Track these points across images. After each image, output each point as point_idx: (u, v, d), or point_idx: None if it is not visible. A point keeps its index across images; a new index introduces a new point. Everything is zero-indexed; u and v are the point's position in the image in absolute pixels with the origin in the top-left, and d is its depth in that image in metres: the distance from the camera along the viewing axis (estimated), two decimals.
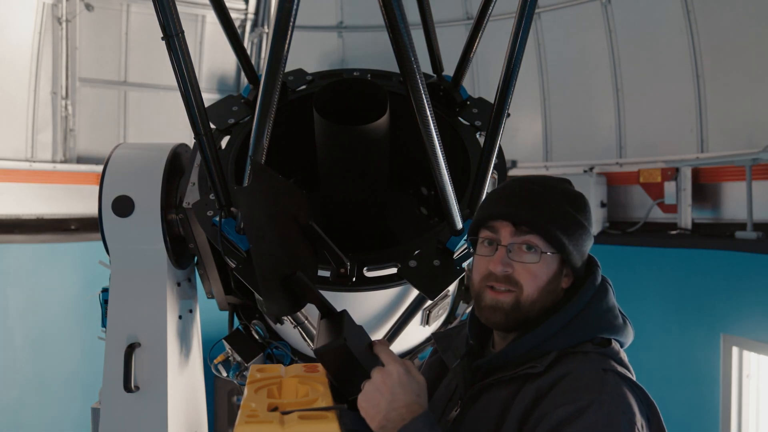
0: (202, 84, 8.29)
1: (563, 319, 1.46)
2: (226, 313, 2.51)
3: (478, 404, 1.50)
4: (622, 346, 1.53)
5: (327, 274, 1.84)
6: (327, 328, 1.46)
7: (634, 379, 1.44)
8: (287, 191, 1.55)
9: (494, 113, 1.78)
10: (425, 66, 1.70)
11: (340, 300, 2.02)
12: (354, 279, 1.81)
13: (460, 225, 1.87)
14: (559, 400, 1.34)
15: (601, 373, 1.39)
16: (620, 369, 1.43)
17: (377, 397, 1.33)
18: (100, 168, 2.32)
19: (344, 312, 1.52)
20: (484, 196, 1.93)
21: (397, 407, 1.32)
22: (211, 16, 8.20)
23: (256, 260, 1.45)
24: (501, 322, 1.49)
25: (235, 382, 2.36)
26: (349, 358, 1.39)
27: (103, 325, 2.33)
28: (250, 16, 8.86)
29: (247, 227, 1.66)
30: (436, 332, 1.86)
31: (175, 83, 1.59)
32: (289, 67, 1.75)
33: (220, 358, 2.38)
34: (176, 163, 2.36)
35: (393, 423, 1.31)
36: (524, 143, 8.37)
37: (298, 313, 2.08)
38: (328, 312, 1.53)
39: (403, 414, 1.31)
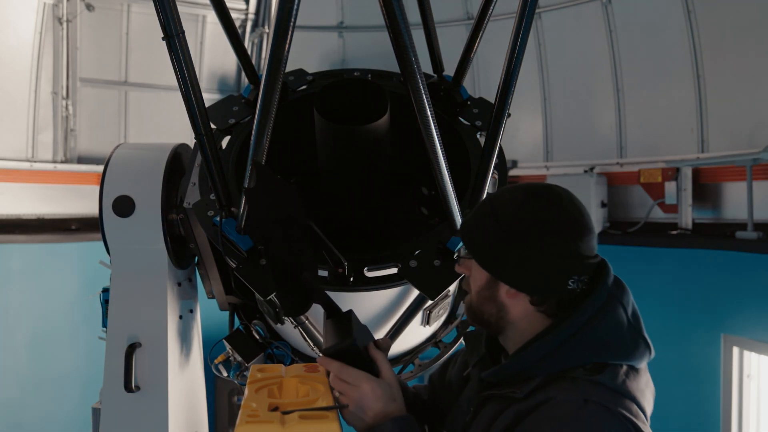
0: (203, 84, 8.28)
1: (551, 344, 1.40)
2: (226, 313, 2.51)
3: (480, 414, 1.51)
4: (634, 367, 1.42)
5: (325, 274, 1.84)
6: (335, 329, 1.48)
7: (634, 407, 1.34)
8: (286, 192, 1.55)
9: (495, 113, 1.78)
10: (425, 66, 1.70)
11: (341, 300, 2.02)
12: (352, 279, 1.81)
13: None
14: (532, 430, 1.33)
15: (580, 404, 1.31)
16: (608, 399, 1.33)
17: (359, 414, 1.45)
18: (100, 168, 2.32)
19: (350, 312, 1.52)
20: (484, 196, 1.93)
21: (374, 416, 1.44)
22: (212, 16, 8.20)
23: (270, 263, 1.46)
24: (468, 319, 1.63)
25: (236, 382, 2.36)
26: (357, 358, 1.43)
27: (104, 325, 2.33)
28: (251, 16, 8.86)
29: (256, 229, 1.67)
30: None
31: (175, 83, 1.59)
32: (290, 67, 1.74)
33: (220, 358, 2.38)
34: (177, 163, 2.36)
35: (378, 429, 1.43)
36: (525, 143, 8.37)
37: None
38: (334, 312, 1.54)
39: (380, 420, 1.43)
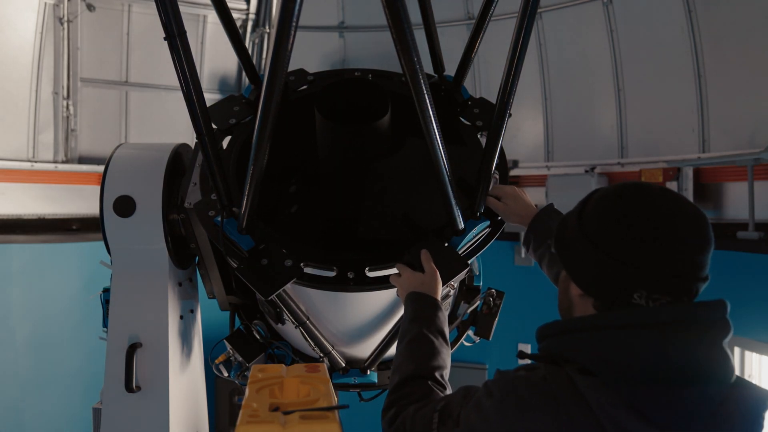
0: (204, 84, 8.27)
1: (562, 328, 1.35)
2: (227, 313, 2.51)
3: None
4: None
5: (329, 274, 1.84)
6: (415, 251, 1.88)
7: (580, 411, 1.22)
8: None
9: (496, 113, 1.77)
10: (426, 66, 1.70)
11: (342, 300, 2.03)
12: (352, 282, 1.82)
13: (461, 225, 1.87)
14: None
15: (538, 377, 1.29)
16: (563, 387, 1.24)
17: (399, 292, 1.86)
18: (101, 168, 2.32)
19: (433, 239, 1.89)
20: (485, 196, 1.93)
21: (404, 292, 1.83)
22: (213, 16, 8.20)
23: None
24: None
25: (237, 382, 2.36)
26: (415, 263, 1.86)
27: (105, 325, 2.33)
28: (252, 16, 8.86)
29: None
30: None
31: (176, 83, 1.59)
32: (290, 67, 1.74)
33: (221, 358, 2.38)
34: (178, 162, 2.36)
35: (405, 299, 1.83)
36: (526, 143, 8.36)
37: (299, 313, 2.08)
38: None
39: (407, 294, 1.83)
